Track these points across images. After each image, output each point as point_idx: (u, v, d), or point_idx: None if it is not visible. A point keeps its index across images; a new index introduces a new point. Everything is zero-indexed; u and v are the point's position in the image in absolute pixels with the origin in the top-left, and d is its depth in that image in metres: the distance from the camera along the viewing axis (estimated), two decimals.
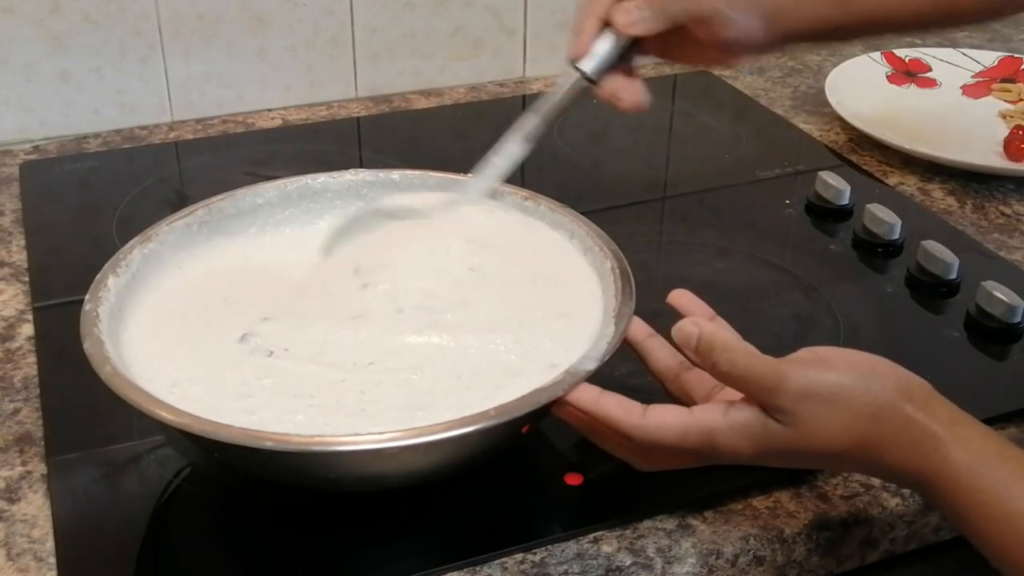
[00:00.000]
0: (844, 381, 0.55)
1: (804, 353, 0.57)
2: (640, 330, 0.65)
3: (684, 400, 0.63)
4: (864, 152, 1.07)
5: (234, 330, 0.68)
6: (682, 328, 0.59)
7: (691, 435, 0.57)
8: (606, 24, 0.71)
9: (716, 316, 0.67)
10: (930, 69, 1.21)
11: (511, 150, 0.74)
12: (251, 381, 0.64)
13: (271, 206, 0.78)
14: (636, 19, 0.70)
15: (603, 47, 0.71)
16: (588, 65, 0.72)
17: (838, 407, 0.55)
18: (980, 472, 0.53)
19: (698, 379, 0.63)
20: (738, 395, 0.58)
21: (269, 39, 1.12)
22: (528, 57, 1.23)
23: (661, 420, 0.58)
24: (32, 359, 0.77)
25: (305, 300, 0.70)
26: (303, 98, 1.16)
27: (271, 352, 0.66)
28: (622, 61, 0.73)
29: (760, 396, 0.56)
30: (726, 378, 0.57)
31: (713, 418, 0.57)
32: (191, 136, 1.09)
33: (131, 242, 0.71)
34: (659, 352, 0.65)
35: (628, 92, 0.72)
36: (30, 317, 0.81)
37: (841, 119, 1.09)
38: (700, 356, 0.58)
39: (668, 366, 0.64)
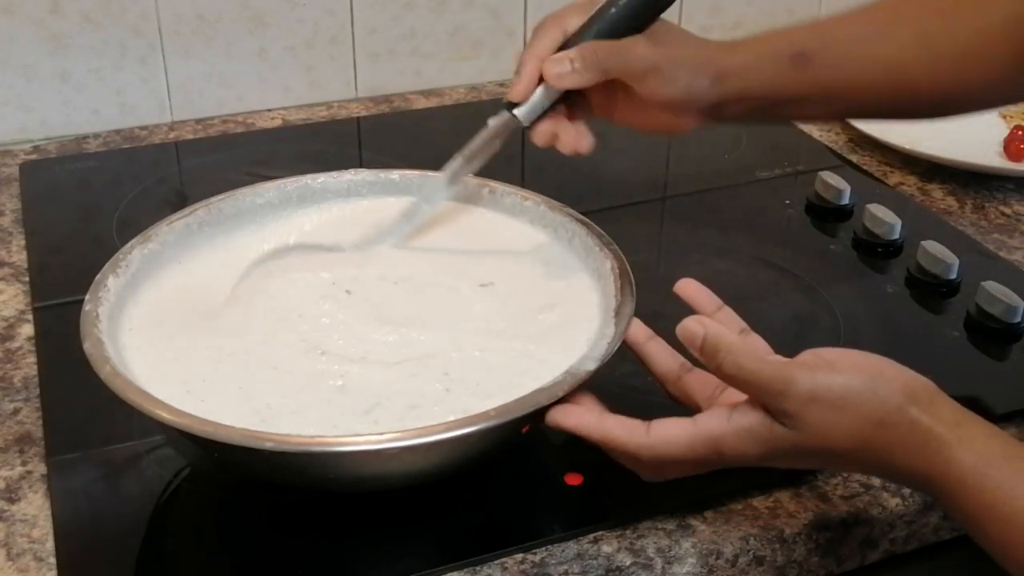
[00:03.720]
0: (851, 385, 0.55)
1: (809, 356, 0.57)
2: (640, 332, 0.65)
3: (686, 402, 0.63)
4: (864, 152, 1.07)
5: (235, 329, 0.68)
6: (686, 327, 0.59)
7: (697, 445, 0.57)
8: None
9: (723, 305, 0.66)
10: None
11: (434, 194, 0.76)
12: (251, 379, 0.64)
13: (271, 206, 0.78)
14: (566, 71, 0.69)
15: (539, 94, 0.70)
16: (521, 111, 0.71)
17: (844, 411, 0.55)
18: (985, 472, 0.53)
19: (700, 380, 0.63)
20: (742, 396, 0.58)
21: (269, 39, 1.12)
22: None
23: (666, 435, 0.58)
24: (32, 359, 0.77)
25: (307, 299, 0.70)
26: (303, 98, 1.16)
27: (272, 351, 0.66)
28: (566, 104, 0.72)
29: (766, 400, 0.56)
30: (731, 380, 0.57)
31: (718, 425, 0.57)
32: (191, 136, 1.09)
33: (131, 242, 0.71)
34: (660, 354, 0.65)
35: (568, 135, 0.71)
36: (30, 317, 0.81)
37: None
38: (705, 357, 0.58)
39: (669, 368, 0.64)
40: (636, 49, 0.69)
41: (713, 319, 0.64)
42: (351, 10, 1.13)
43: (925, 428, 0.54)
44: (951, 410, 0.55)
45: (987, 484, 0.53)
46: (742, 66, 0.71)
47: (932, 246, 0.85)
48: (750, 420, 0.56)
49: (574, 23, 0.71)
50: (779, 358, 0.59)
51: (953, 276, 0.84)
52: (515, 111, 0.71)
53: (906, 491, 0.66)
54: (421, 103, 1.18)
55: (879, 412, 0.55)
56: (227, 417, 0.58)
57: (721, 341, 0.57)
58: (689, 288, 0.67)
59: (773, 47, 0.70)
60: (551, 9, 1.19)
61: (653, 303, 0.68)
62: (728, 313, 0.66)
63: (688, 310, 0.66)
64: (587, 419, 0.59)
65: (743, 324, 0.66)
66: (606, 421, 0.59)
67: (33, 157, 1.05)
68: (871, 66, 0.71)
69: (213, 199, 0.76)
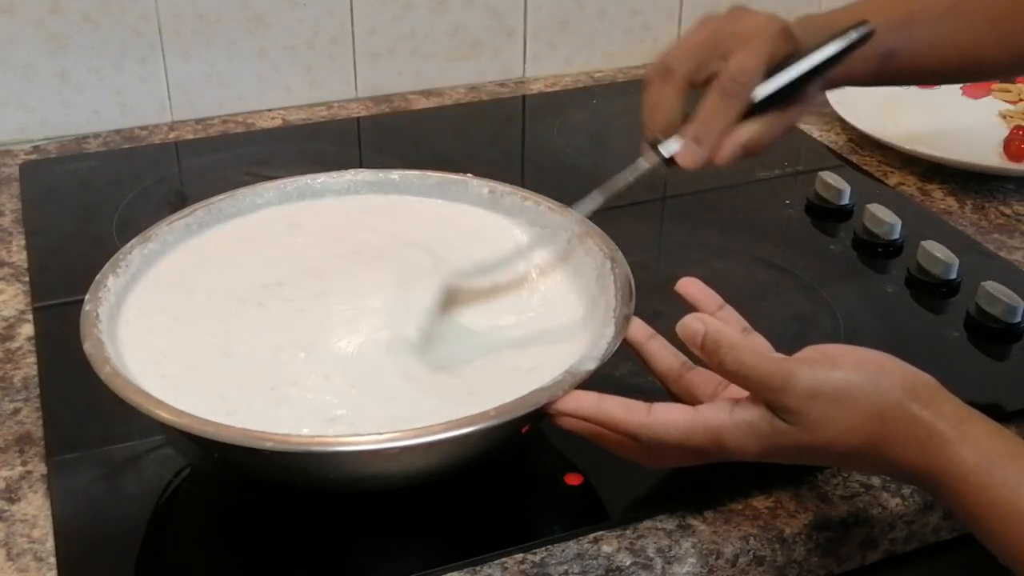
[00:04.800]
0: (852, 380, 0.55)
1: (810, 352, 0.57)
2: (641, 332, 0.65)
3: (688, 400, 0.63)
4: (864, 152, 1.07)
5: (234, 329, 0.68)
6: (687, 325, 0.59)
7: (697, 433, 0.57)
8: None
9: (725, 304, 0.66)
10: None
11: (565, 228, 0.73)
12: (251, 379, 0.64)
13: (271, 206, 0.78)
14: (735, 155, 0.71)
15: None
16: (667, 149, 0.70)
17: (845, 407, 0.55)
18: (989, 470, 0.53)
19: (701, 379, 0.63)
20: (743, 392, 0.58)
21: (269, 39, 1.12)
22: (528, 57, 1.23)
23: (666, 418, 0.58)
24: (32, 359, 0.77)
25: (304, 299, 0.71)
26: (303, 98, 1.16)
27: (269, 349, 0.66)
28: None
29: (767, 396, 0.56)
30: (733, 377, 0.57)
31: (719, 417, 0.57)
32: (191, 136, 1.09)
33: (131, 242, 0.71)
34: (661, 353, 0.65)
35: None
36: (30, 317, 0.81)
37: (841, 119, 1.09)
38: (706, 354, 0.58)
39: (670, 367, 0.64)
40: (798, 117, 0.74)
41: (714, 318, 0.64)
42: (351, 10, 1.13)
43: (926, 424, 0.54)
44: (954, 407, 0.55)
45: (991, 482, 0.53)
46: (845, 72, 0.73)
47: (932, 246, 0.85)
48: (752, 415, 0.56)
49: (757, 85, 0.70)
50: (780, 355, 0.59)
51: (953, 276, 0.84)
52: (662, 148, 0.70)
53: (906, 491, 0.67)
54: (421, 103, 1.18)
55: (878, 406, 0.55)
56: (217, 415, 0.58)
57: (722, 338, 0.57)
58: (691, 287, 0.67)
59: (870, 45, 0.72)
60: (551, 9, 1.21)
61: (653, 303, 0.68)
62: (729, 312, 0.66)
63: (688, 309, 0.66)
64: (586, 402, 0.59)
65: (744, 323, 0.66)
66: (605, 402, 0.59)
67: (33, 157, 1.05)
68: (946, 54, 0.77)
69: (213, 199, 0.76)
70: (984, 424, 0.55)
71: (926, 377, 0.56)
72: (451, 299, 0.69)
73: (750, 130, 0.71)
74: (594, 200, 0.71)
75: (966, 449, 0.54)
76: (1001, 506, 0.53)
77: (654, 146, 0.70)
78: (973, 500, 0.53)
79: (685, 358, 0.64)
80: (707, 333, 0.58)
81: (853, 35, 0.69)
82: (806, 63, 0.70)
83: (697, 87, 0.71)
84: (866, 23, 0.70)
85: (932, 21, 0.77)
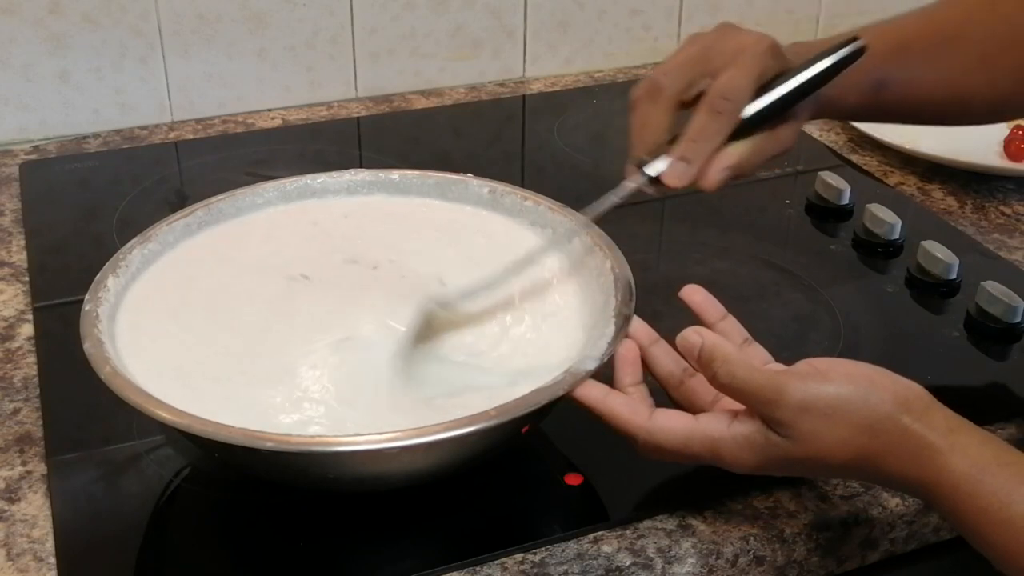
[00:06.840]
0: (843, 394, 0.56)
1: (803, 365, 0.58)
2: (643, 336, 0.65)
3: (687, 406, 0.63)
4: (864, 152, 1.07)
5: (235, 328, 0.68)
6: (686, 338, 0.60)
7: (695, 442, 0.58)
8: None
9: (728, 315, 0.67)
10: None
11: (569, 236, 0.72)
12: (251, 377, 0.64)
13: (271, 206, 0.78)
14: (724, 178, 0.67)
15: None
16: (654, 169, 0.67)
17: (836, 420, 0.55)
18: (979, 479, 0.53)
19: (702, 385, 0.63)
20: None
21: (269, 39, 1.12)
22: (528, 57, 1.23)
23: (666, 424, 0.59)
24: (32, 359, 0.77)
25: (304, 299, 0.71)
26: (303, 98, 1.16)
27: (269, 348, 0.66)
28: None
29: (760, 409, 0.57)
30: (726, 390, 0.58)
31: (718, 428, 0.58)
32: (191, 136, 1.09)
33: (131, 242, 0.71)
34: (663, 359, 0.65)
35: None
36: (30, 317, 0.81)
37: None
38: (701, 366, 0.59)
39: (671, 372, 0.64)
40: (790, 140, 0.70)
41: (716, 328, 0.64)
42: (351, 10, 1.13)
43: (918, 436, 0.55)
44: (944, 418, 0.56)
45: (982, 490, 0.53)
46: (837, 97, 0.72)
47: (932, 246, 0.85)
48: (748, 428, 0.57)
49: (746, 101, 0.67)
50: (774, 368, 0.60)
51: (953, 276, 0.84)
52: (647, 169, 0.67)
53: None
54: (421, 103, 1.18)
55: (869, 420, 0.55)
56: (221, 415, 0.58)
57: (717, 351, 0.58)
58: (695, 295, 0.67)
59: (863, 72, 0.70)
60: (551, 9, 1.21)
61: (653, 303, 0.68)
62: (732, 323, 0.66)
63: (689, 314, 0.66)
64: (593, 393, 0.60)
65: (746, 334, 0.66)
66: (611, 397, 0.60)
67: (33, 157, 1.05)
68: (935, 88, 0.75)
69: (213, 199, 0.76)
70: (974, 433, 0.56)
71: (917, 389, 0.57)
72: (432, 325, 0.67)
73: (739, 151, 0.67)
74: (582, 221, 0.70)
75: (956, 459, 0.54)
76: (993, 513, 0.53)
77: (640, 166, 0.67)
78: (965, 508, 0.54)
79: (686, 364, 0.64)
80: (703, 346, 0.59)
81: (844, 50, 0.67)
82: (797, 79, 0.67)
83: (687, 106, 0.68)
84: (858, 39, 0.67)
85: (924, 52, 0.75)
